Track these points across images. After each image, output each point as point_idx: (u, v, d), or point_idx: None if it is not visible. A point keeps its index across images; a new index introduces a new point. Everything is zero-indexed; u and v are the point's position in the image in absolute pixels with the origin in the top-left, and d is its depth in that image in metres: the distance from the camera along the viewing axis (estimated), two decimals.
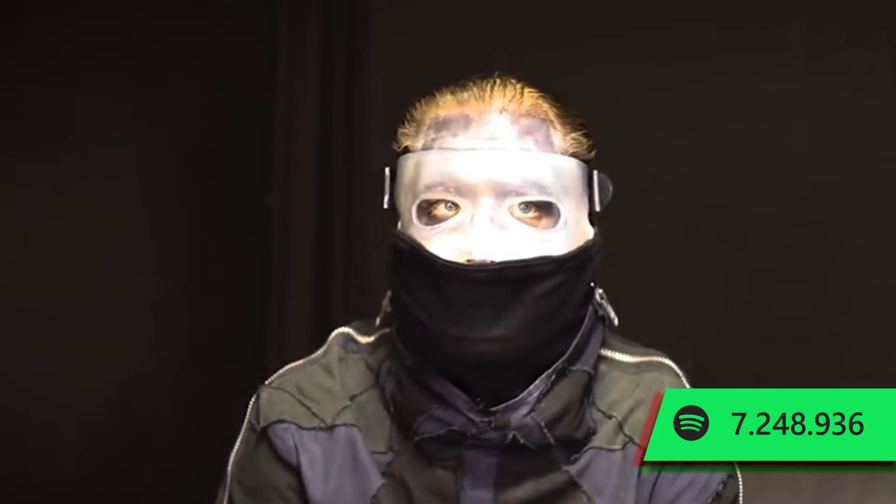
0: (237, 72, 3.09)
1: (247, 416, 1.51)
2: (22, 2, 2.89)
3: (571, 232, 1.41)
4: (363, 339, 1.53)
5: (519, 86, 1.44)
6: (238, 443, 1.51)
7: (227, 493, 1.50)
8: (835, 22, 2.91)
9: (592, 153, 1.46)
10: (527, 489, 1.43)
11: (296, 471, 1.46)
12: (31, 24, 2.90)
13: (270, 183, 3.08)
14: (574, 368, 1.43)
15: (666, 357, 1.52)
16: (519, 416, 1.40)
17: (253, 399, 1.51)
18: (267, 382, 1.52)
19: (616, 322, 1.49)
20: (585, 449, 1.44)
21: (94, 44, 2.95)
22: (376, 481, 1.45)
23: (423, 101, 1.46)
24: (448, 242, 1.38)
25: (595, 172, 1.46)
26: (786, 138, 2.92)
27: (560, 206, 1.40)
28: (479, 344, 1.36)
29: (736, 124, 2.94)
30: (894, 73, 2.88)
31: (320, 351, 1.54)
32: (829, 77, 2.91)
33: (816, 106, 2.91)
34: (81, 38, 2.94)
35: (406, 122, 1.46)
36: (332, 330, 1.56)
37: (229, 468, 1.51)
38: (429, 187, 1.40)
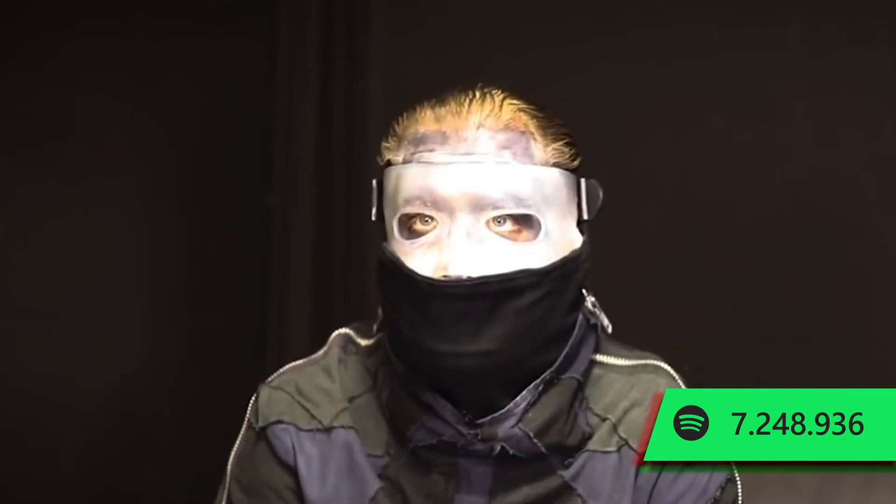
0: (237, 72, 3.09)
1: (247, 415, 1.52)
2: (22, 2, 2.89)
3: (554, 242, 1.41)
4: (362, 342, 1.53)
5: (499, 99, 1.43)
6: (238, 441, 1.52)
7: (226, 491, 1.51)
8: (835, 22, 2.91)
9: (577, 161, 1.45)
10: (521, 494, 1.43)
11: (293, 471, 1.47)
12: (31, 24, 2.90)
13: (270, 183, 3.08)
14: (563, 377, 1.43)
15: (660, 360, 1.52)
16: (506, 427, 1.40)
17: (253, 398, 1.52)
18: (267, 381, 1.52)
19: (609, 329, 1.48)
20: (580, 452, 1.44)
21: (94, 44, 2.95)
22: (374, 484, 1.45)
23: (404, 115, 1.45)
24: (426, 257, 1.38)
25: (583, 180, 1.45)
26: (786, 138, 2.92)
27: (540, 217, 1.39)
28: (462, 358, 1.36)
29: (736, 124, 2.94)
30: (894, 73, 2.88)
31: (321, 352, 1.54)
32: (829, 77, 2.91)
33: (816, 106, 2.91)
34: (81, 38, 2.94)
35: (389, 137, 1.46)
36: (332, 330, 1.56)
37: (229, 466, 1.52)
38: (407, 201, 1.40)
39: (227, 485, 1.51)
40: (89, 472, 2.94)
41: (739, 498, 1.47)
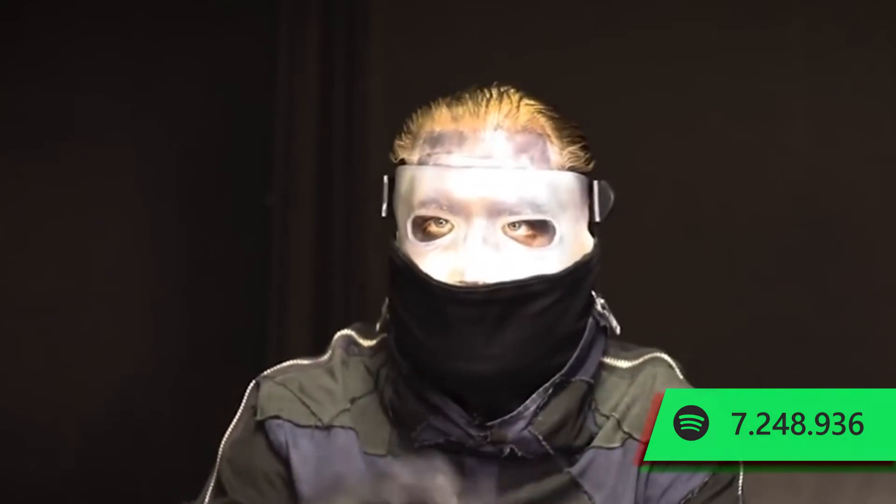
0: (237, 72, 3.09)
1: (245, 402, 1.51)
2: (22, 2, 2.89)
3: (568, 247, 1.41)
4: (365, 343, 1.53)
5: (516, 98, 1.42)
6: (233, 425, 1.52)
7: (216, 471, 1.51)
8: (835, 22, 2.91)
9: (591, 165, 1.44)
10: (528, 491, 1.43)
11: (286, 462, 1.47)
12: (31, 24, 2.90)
13: (270, 183, 3.08)
14: (573, 380, 1.43)
15: (659, 351, 1.52)
16: (516, 430, 1.40)
17: (252, 386, 1.52)
18: (268, 374, 1.52)
19: (618, 331, 1.48)
20: (586, 449, 1.44)
21: (94, 44, 2.95)
22: None
23: (419, 112, 1.44)
24: (441, 261, 1.38)
25: (595, 183, 1.45)
26: (786, 138, 2.92)
27: (555, 223, 1.39)
28: (474, 363, 1.36)
29: (736, 124, 2.94)
30: (894, 73, 2.88)
31: (326, 355, 1.53)
32: (829, 77, 2.91)
33: (816, 106, 2.91)
34: (81, 38, 2.94)
35: (403, 134, 1.45)
36: (332, 330, 1.56)
37: (221, 448, 1.52)
38: (423, 203, 1.39)
39: (217, 466, 1.51)
40: (89, 472, 2.94)
41: (741, 474, 1.47)
